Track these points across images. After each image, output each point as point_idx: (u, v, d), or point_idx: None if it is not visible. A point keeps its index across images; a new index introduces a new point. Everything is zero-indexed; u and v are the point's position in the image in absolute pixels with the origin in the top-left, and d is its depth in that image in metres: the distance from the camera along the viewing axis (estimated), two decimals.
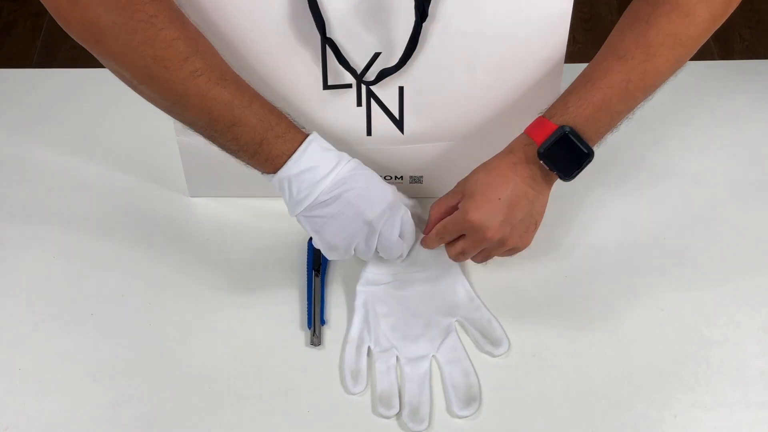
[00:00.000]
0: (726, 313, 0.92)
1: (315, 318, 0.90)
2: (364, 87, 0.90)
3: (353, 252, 0.87)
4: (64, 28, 0.74)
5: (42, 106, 1.11)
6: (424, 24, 0.83)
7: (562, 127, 0.82)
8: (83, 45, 0.75)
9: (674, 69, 0.84)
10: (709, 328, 0.90)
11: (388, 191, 0.86)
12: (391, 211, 0.85)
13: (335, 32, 0.85)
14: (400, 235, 0.87)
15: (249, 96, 0.80)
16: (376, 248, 0.87)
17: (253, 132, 0.80)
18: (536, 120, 0.85)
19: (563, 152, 0.82)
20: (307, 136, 0.83)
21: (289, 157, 0.82)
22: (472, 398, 0.84)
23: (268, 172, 0.83)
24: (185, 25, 0.77)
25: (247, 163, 0.83)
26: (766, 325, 0.91)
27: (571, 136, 0.82)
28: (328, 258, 0.88)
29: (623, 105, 0.83)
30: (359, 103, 0.91)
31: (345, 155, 0.85)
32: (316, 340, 0.89)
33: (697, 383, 0.86)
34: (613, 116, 0.84)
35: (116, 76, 0.78)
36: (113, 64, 0.76)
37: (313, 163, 0.82)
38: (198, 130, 0.82)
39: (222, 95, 0.78)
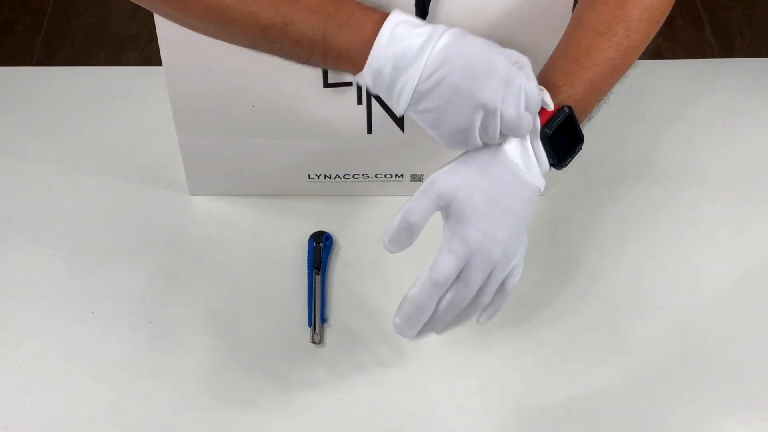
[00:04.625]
0: (726, 312, 0.92)
1: (315, 316, 0.90)
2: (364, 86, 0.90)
3: (479, 141, 0.72)
4: None
5: (42, 104, 1.11)
6: None
7: (563, 107, 0.74)
8: None
9: (644, 47, 0.80)
10: (709, 327, 0.90)
11: (498, 61, 0.69)
12: (506, 86, 0.69)
13: None
14: (526, 108, 0.71)
15: None
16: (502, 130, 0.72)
17: (311, 28, 0.69)
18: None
19: (563, 136, 0.75)
20: (383, 16, 0.70)
21: (362, 50, 0.69)
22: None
23: (355, 72, 0.71)
24: None
25: (337, 69, 0.74)
26: (766, 324, 0.91)
27: (572, 117, 0.75)
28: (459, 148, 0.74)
29: (607, 85, 0.78)
30: (360, 102, 0.91)
31: (439, 27, 0.70)
32: (316, 338, 0.89)
33: (698, 382, 0.86)
34: (599, 97, 0.78)
35: (163, 16, 0.73)
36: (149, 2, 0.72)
37: (398, 48, 0.68)
38: (252, 45, 0.73)
39: None
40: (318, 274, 0.93)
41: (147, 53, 2.14)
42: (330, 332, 0.90)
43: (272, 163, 0.98)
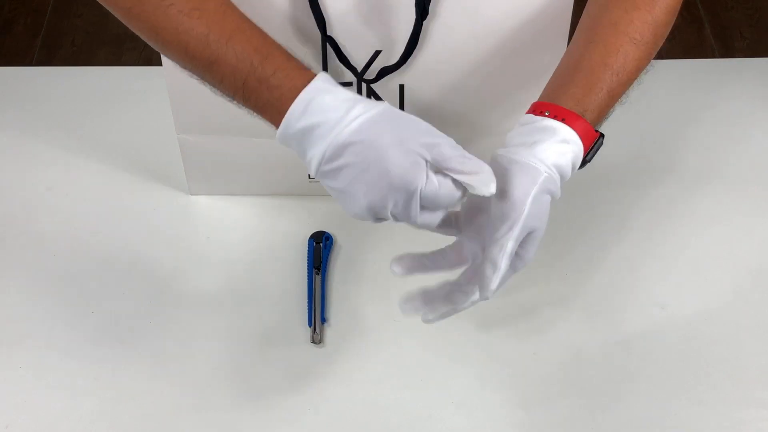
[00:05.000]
0: (726, 311, 0.92)
1: (315, 316, 0.90)
2: (364, 85, 0.90)
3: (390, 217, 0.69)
4: None
5: (42, 104, 1.11)
6: (424, 22, 0.83)
7: (600, 137, 0.74)
8: None
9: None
10: (709, 326, 0.90)
11: (394, 164, 0.65)
12: (395, 191, 0.66)
13: (336, 30, 0.85)
14: (430, 205, 0.68)
15: (232, 28, 0.69)
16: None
17: (233, 73, 0.68)
18: (574, 118, 0.72)
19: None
20: (306, 78, 0.67)
21: (277, 112, 0.68)
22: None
23: (275, 125, 0.69)
24: None
25: (254, 114, 0.71)
26: (765, 323, 0.91)
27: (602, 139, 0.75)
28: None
29: (626, 90, 0.77)
30: None
31: (356, 106, 0.66)
32: (316, 338, 0.89)
33: (698, 382, 0.86)
34: (616, 103, 0.76)
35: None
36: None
37: (308, 123, 0.66)
38: (186, 69, 0.72)
39: (196, 28, 0.68)
40: (318, 274, 0.93)
41: (147, 53, 2.14)
42: (330, 332, 0.90)
43: (272, 163, 0.98)
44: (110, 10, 0.72)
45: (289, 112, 0.67)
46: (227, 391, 0.86)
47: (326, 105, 0.66)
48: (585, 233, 0.99)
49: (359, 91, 0.91)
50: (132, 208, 1.01)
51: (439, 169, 0.67)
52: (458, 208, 0.75)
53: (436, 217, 0.70)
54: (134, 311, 0.92)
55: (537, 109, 0.74)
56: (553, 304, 0.92)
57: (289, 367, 0.88)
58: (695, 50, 2.19)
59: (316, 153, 0.67)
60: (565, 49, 0.88)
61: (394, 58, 0.86)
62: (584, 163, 0.75)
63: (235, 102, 0.71)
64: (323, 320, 0.90)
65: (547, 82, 0.91)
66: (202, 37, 0.68)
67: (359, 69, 0.88)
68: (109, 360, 0.88)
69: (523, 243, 0.71)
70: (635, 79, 0.76)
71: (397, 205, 0.67)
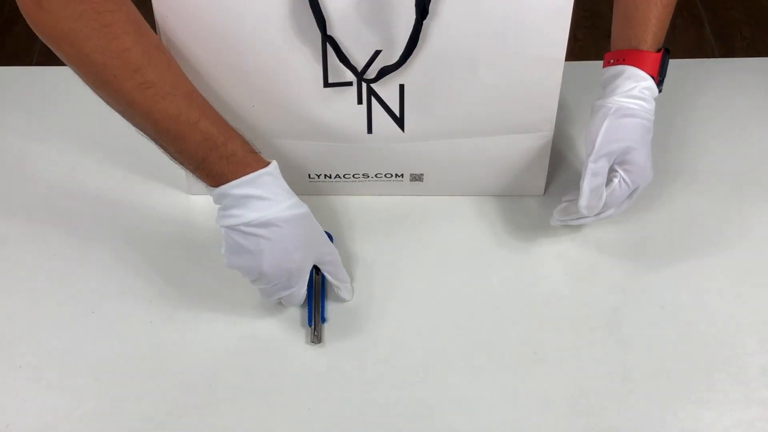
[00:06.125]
0: (726, 311, 0.92)
1: (315, 316, 0.90)
2: (364, 85, 0.90)
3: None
4: (32, 29, 0.78)
5: (43, 103, 1.11)
6: (424, 22, 0.83)
7: (665, 53, 0.92)
8: (47, 45, 0.78)
9: None
10: (709, 326, 0.90)
11: (296, 259, 0.84)
12: (288, 279, 0.85)
13: (336, 30, 0.85)
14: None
15: (199, 112, 0.80)
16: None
17: (196, 149, 0.80)
18: (633, 54, 0.91)
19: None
20: (262, 163, 0.82)
21: (233, 179, 0.81)
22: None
23: (211, 185, 0.83)
24: (141, 36, 0.78)
25: (193, 174, 0.83)
26: (765, 323, 0.91)
27: (667, 54, 0.92)
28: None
29: (671, 11, 0.93)
30: (360, 101, 0.91)
31: (293, 198, 0.84)
32: (316, 338, 0.89)
33: (698, 381, 0.86)
34: (668, 24, 0.93)
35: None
36: (71, 66, 0.79)
37: (261, 193, 0.81)
38: (147, 136, 0.82)
39: (169, 109, 0.78)
40: (318, 274, 0.93)
41: None
42: (330, 332, 0.90)
43: None
44: (84, 79, 0.79)
45: (242, 178, 0.81)
46: (227, 391, 0.86)
47: (272, 187, 0.82)
48: (585, 233, 0.99)
49: (359, 91, 0.91)
50: (132, 207, 1.01)
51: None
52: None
53: (294, 298, 0.88)
54: (134, 310, 0.91)
55: (606, 62, 0.93)
56: (553, 304, 0.92)
57: (289, 367, 0.88)
58: (695, 50, 2.19)
59: (246, 215, 0.81)
60: (565, 47, 0.89)
61: (394, 58, 0.86)
62: (662, 80, 0.92)
63: (186, 167, 0.83)
64: (323, 320, 0.90)
65: (546, 80, 0.92)
66: (173, 118, 0.79)
67: (359, 69, 0.88)
68: (109, 360, 0.88)
69: (625, 166, 0.90)
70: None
71: (277, 284, 0.85)
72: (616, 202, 0.91)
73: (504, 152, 0.97)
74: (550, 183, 1.03)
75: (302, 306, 0.92)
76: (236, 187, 0.81)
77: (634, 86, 0.90)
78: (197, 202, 1.02)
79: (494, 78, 0.90)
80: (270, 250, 0.82)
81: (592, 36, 2.17)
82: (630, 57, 0.91)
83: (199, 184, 1.00)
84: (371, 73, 0.88)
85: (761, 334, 0.90)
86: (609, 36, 0.95)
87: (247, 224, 0.81)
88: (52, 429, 0.83)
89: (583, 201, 0.89)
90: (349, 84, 0.90)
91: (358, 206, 1.01)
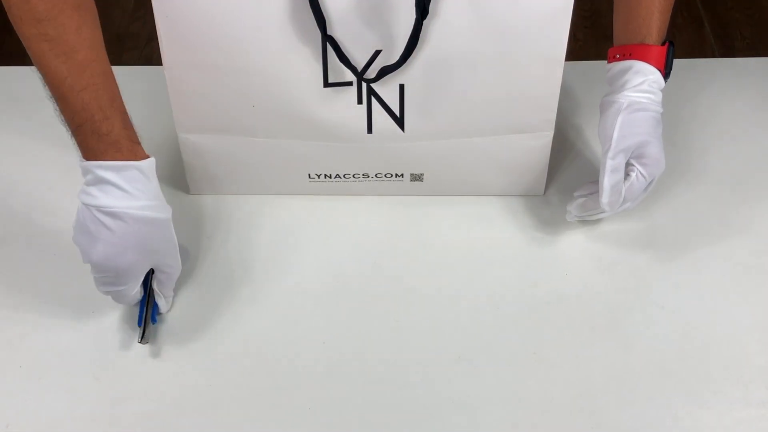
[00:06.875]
0: (726, 311, 0.92)
1: (146, 316, 0.89)
2: (364, 85, 0.90)
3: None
4: None
5: (42, 104, 1.11)
6: (424, 22, 0.83)
7: (669, 46, 0.93)
8: None
9: None
10: (709, 326, 0.90)
11: (131, 261, 0.82)
12: (116, 276, 0.83)
13: (336, 30, 0.85)
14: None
15: (88, 83, 0.80)
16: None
17: (72, 116, 0.80)
18: (639, 49, 0.92)
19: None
20: (137, 157, 0.82)
21: (102, 159, 0.80)
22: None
23: (83, 157, 0.82)
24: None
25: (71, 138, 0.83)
26: (766, 323, 0.91)
27: (672, 46, 0.93)
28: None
29: (672, 3, 0.93)
30: (360, 101, 0.91)
31: (156, 201, 0.83)
32: (144, 339, 0.88)
33: (698, 381, 0.86)
34: (669, 15, 0.94)
35: None
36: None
37: (122, 184, 0.80)
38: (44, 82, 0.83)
39: (58, 68, 0.80)
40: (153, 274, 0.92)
41: (147, 53, 2.14)
42: (330, 332, 0.90)
43: (272, 163, 0.98)
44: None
45: (109, 162, 0.80)
46: (227, 391, 0.86)
47: (136, 182, 0.81)
48: (585, 234, 0.99)
49: (359, 91, 0.91)
50: None
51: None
52: None
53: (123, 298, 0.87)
54: (135, 310, 0.91)
55: (612, 57, 0.94)
56: (553, 304, 0.92)
57: (289, 367, 0.88)
58: (695, 50, 2.19)
59: (100, 199, 0.80)
60: (565, 47, 0.89)
61: (395, 58, 0.86)
62: (669, 72, 0.93)
63: (66, 127, 0.82)
64: (153, 321, 0.89)
65: (546, 80, 0.92)
66: (61, 78, 0.80)
67: (359, 68, 0.88)
68: (109, 360, 0.88)
69: (641, 160, 0.92)
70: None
71: (104, 277, 0.83)
72: (634, 196, 0.92)
73: (504, 152, 0.97)
74: (550, 183, 1.03)
75: (302, 306, 0.91)
76: (100, 169, 0.80)
77: (643, 80, 0.91)
78: (197, 201, 1.02)
79: (494, 78, 0.90)
80: (106, 240, 0.80)
81: (592, 36, 2.17)
82: (637, 51, 0.92)
83: (199, 184, 1.01)
84: (371, 73, 0.88)
85: (761, 334, 0.90)
86: (609, 36, 0.96)
87: (98, 208, 0.80)
88: (52, 429, 0.83)
89: (605, 198, 0.90)
90: (349, 84, 0.90)
91: (358, 206, 1.01)
